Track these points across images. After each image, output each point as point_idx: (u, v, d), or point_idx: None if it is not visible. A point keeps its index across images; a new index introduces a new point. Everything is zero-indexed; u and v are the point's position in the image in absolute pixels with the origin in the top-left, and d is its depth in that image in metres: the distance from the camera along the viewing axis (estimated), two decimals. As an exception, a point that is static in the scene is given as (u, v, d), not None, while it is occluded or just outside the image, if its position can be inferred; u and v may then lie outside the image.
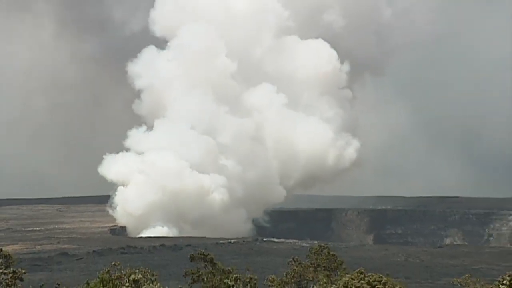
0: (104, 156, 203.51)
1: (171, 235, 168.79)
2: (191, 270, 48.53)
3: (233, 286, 46.26)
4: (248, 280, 47.80)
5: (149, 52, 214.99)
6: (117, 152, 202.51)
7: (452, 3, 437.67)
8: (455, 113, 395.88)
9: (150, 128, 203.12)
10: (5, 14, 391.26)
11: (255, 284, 48.34)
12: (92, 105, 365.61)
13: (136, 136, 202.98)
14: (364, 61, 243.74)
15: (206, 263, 48.31)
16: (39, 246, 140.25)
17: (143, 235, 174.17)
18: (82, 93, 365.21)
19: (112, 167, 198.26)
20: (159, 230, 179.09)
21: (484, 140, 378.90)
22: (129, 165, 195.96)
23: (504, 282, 22.67)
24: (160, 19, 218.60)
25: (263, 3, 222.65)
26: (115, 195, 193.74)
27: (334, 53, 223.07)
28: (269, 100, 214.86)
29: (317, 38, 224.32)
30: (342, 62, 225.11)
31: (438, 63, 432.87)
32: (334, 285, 35.64)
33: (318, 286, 38.95)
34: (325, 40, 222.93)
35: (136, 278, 36.25)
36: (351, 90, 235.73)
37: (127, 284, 36.48)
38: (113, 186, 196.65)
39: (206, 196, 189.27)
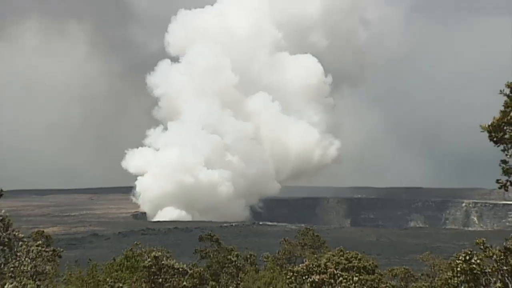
0: (125, 151, 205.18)
1: (183, 219, 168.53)
2: (200, 248, 48.75)
3: (235, 261, 46.36)
4: (247, 256, 48.01)
5: (165, 65, 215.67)
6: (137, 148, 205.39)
7: (417, 29, 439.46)
8: (419, 118, 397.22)
9: (165, 129, 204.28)
10: (46, 37, 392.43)
11: (253, 260, 48.55)
12: (118, 111, 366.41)
13: (153, 135, 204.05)
14: (343, 75, 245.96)
15: (212, 243, 48.56)
16: (74, 228, 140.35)
17: (160, 219, 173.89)
18: (109, 101, 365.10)
19: (133, 160, 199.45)
20: (173, 214, 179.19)
21: (442, 140, 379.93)
22: (147, 159, 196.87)
23: (460, 258, 22.80)
24: (173, 40, 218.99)
25: (259, 26, 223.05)
26: (136, 185, 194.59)
27: (319, 67, 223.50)
28: (265, 106, 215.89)
29: (305, 53, 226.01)
30: (325, 75, 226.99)
31: (405, 77, 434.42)
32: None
33: (306, 261, 39.04)
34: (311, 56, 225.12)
35: (156, 255, 36.31)
36: (333, 98, 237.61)
37: (148, 259, 36.52)
38: (135, 178, 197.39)
39: (215, 188, 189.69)
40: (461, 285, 22.35)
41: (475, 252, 23.03)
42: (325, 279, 26.54)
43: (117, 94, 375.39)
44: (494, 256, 22.87)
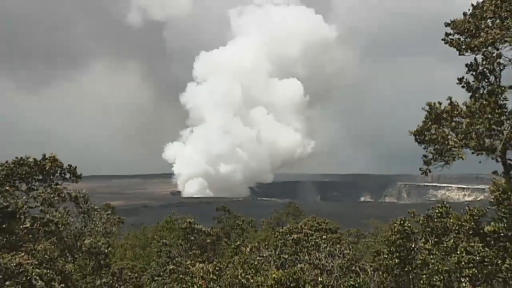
0: (164, 146, 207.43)
1: (205, 196, 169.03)
2: (217, 216, 48.62)
3: (241, 225, 46.31)
4: (249, 221, 47.91)
5: (192, 87, 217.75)
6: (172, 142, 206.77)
7: (367, 64, 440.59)
8: (368, 126, 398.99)
9: (192, 131, 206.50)
10: (111, 71, 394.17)
11: (253, 224, 48.49)
12: (160, 120, 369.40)
13: (184, 136, 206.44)
14: (317, 95, 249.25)
15: (225, 212, 48.41)
16: (131, 202, 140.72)
17: (189, 196, 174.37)
18: (154, 113, 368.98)
19: (170, 152, 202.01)
20: (199, 192, 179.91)
21: (384, 141, 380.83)
22: (179, 152, 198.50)
23: (396, 222, 22.75)
24: (198, 70, 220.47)
25: (258, 61, 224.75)
26: (174, 171, 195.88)
27: (301, 89, 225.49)
28: (263, 117, 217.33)
29: (291, 77, 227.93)
30: (305, 95, 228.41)
31: (359, 97, 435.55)
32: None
33: (289, 224, 38.90)
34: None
35: (190, 221, 36.32)
36: (310, 112, 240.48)
37: (184, 225, 36.49)
38: (171, 166, 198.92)
39: (229, 176, 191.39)
40: (397, 241, 22.30)
41: (407, 218, 23.05)
42: (301, 237, 26.51)
43: (159, 109, 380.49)
44: (420, 221, 22.88)
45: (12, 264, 17.01)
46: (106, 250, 23.12)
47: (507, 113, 13.90)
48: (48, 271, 18.01)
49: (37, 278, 17.29)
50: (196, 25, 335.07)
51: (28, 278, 17.05)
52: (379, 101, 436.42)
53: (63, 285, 18.26)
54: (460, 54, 14.15)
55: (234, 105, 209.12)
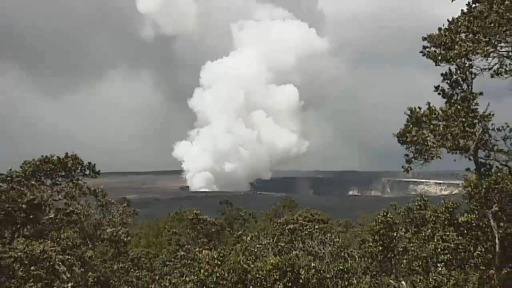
0: (174, 145, 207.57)
1: (211, 190, 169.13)
2: (221, 208, 48.61)
3: (242, 216, 46.26)
4: (250, 213, 47.89)
5: (199, 93, 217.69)
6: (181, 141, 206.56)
7: (357, 74, 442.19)
8: (357, 128, 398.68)
9: (198, 132, 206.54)
10: (127, 78, 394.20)
11: (254, 215, 48.43)
12: (170, 122, 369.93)
13: (192, 136, 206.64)
14: (311, 100, 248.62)
15: (228, 205, 48.39)
16: (144, 195, 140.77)
17: (197, 190, 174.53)
18: (165, 116, 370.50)
19: (179, 151, 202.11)
20: (205, 187, 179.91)
21: (371, 141, 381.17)
22: (188, 150, 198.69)
23: (380, 214, 22.74)
24: (204, 78, 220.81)
25: (258, 69, 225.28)
26: (183, 168, 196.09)
27: (296, 95, 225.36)
28: (263, 120, 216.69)
29: (288, 84, 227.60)
30: (300, 101, 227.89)
31: (349, 103, 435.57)
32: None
33: (286, 216, 38.98)
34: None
35: (196, 212, 36.34)
36: (304, 115, 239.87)
37: (191, 216, 36.52)
38: (180, 163, 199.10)
39: (233, 173, 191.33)
40: (380, 230, 22.30)
41: (389, 210, 23.08)
42: (296, 227, 26.53)
43: (169, 112, 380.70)
44: (401, 213, 22.91)
45: (37, 251, 17.01)
46: (125, 239, 23.16)
47: (478, 117, 13.94)
48: (69, 257, 18.01)
49: (60, 263, 17.29)
50: (202, 38, 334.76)
51: (51, 263, 17.06)
52: (366, 106, 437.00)
53: (82, 269, 18.27)
54: (436, 65, 14.19)
55: (237, 109, 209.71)
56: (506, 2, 12.28)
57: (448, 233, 18.86)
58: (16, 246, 17.39)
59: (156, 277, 23.18)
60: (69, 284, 17.32)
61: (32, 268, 16.72)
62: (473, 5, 13.41)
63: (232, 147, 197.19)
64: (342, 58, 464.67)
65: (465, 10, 13.51)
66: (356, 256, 22.75)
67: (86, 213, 22.31)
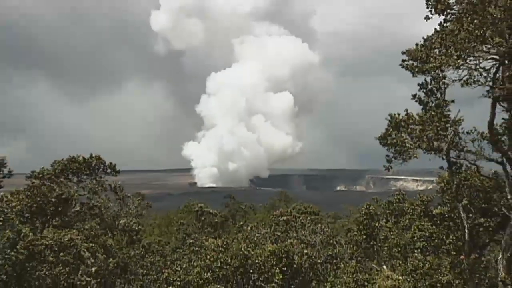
0: (183, 145, 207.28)
1: (216, 186, 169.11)
2: (225, 202, 48.61)
3: (243, 208, 46.30)
4: (250, 206, 47.96)
5: (205, 99, 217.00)
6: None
7: (342, 84, 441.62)
8: (344, 130, 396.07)
9: (204, 135, 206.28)
10: (141, 88, 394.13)
11: (253, 208, 48.49)
12: (180, 125, 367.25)
13: (199, 137, 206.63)
14: (304, 107, 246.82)
15: (231, 199, 48.42)
16: (157, 191, 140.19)
17: (204, 186, 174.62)
18: (174, 120, 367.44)
19: (187, 151, 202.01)
20: (211, 183, 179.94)
21: (356, 142, 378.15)
22: (195, 150, 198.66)
23: (364, 206, 22.79)
24: (210, 86, 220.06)
25: (257, 79, 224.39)
26: (192, 166, 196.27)
27: (292, 101, 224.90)
28: (262, 123, 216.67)
29: (284, 91, 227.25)
30: (294, 106, 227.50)
31: (335, 110, 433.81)
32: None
33: (281, 208, 38.96)
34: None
35: (201, 205, 36.35)
36: (298, 119, 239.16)
37: (196, 208, 36.53)
38: (189, 161, 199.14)
39: (235, 170, 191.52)
40: (364, 221, 22.36)
41: (372, 203, 23.16)
42: (290, 218, 26.56)
43: (179, 116, 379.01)
44: (382, 205, 22.99)
45: (65, 239, 17.09)
46: (137, 228, 23.17)
47: (450, 122, 14.03)
48: (93, 245, 18.07)
49: (85, 250, 17.37)
50: (207, 52, 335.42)
51: (78, 250, 17.14)
52: (352, 112, 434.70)
53: (104, 255, 18.32)
54: (413, 76, 14.27)
55: (239, 114, 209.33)
56: (475, 21, 12.38)
57: (423, 223, 18.94)
58: (46, 235, 17.48)
59: (168, 262, 23.20)
60: (93, 268, 17.39)
61: (61, 254, 16.79)
62: (445, 24, 13.52)
63: (234, 147, 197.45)
64: (330, 70, 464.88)
65: (438, 29, 13.61)
66: (343, 244, 22.83)
67: (106, 206, 22.37)
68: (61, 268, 16.57)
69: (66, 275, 16.82)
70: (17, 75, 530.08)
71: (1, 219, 16.24)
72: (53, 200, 19.25)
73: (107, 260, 18.47)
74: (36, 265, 16.57)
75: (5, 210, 16.73)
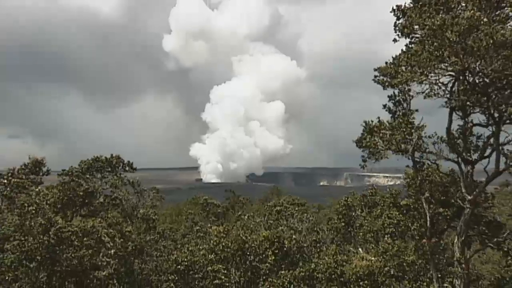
0: (190, 147, 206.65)
1: (219, 181, 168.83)
2: (227, 195, 48.37)
3: (242, 200, 46.07)
4: (247, 199, 47.73)
5: (209, 107, 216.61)
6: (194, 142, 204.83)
7: (325, 95, 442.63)
8: (328, 135, 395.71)
9: (208, 138, 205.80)
10: (156, 99, 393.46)
11: (250, 200, 48.25)
12: (187, 130, 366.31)
13: (204, 139, 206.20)
14: (293, 113, 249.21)
15: (231, 192, 48.21)
16: (168, 185, 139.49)
17: (209, 181, 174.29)
18: (184, 125, 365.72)
19: (194, 151, 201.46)
20: (215, 179, 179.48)
21: (337, 144, 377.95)
22: (201, 149, 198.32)
23: (343, 199, 22.72)
24: (213, 97, 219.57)
25: (253, 91, 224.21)
26: (199, 163, 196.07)
27: (283, 108, 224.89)
28: (257, 128, 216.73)
29: (276, 100, 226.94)
30: (285, 114, 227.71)
31: (323, 115, 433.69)
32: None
33: (274, 201, 38.88)
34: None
35: (205, 198, 36.27)
36: (288, 125, 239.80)
37: (202, 200, 36.41)
38: (196, 160, 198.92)
39: (235, 169, 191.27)
40: (343, 211, 22.37)
41: (349, 196, 23.20)
42: (281, 209, 26.59)
43: (187, 122, 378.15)
44: (358, 198, 23.03)
45: (88, 226, 17.07)
46: (154, 217, 23.11)
47: (414, 128, 14.10)
48: (112, 230, 18.01)
49: (105, 235, 17.31)
50: (210, 68, 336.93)
51: (99, 235, 17.10)
52: (333, 119, 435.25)
53: (122, 240, 18.23)
54: (384, 89, 14.32)
55: (238, 120, 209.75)
56: (435, 43, 12.47)
57: (392, 213, 19.00)
58: (73, 222, 17.44)
59: (178, 245, 23.12)
60: (112, 251, 17.32)
61: (85, 239, 16.75)
62: (410, 46, 13.63)
63: (234, 149, 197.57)
64: (315, 83, 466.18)
65: (404, 49, 13.71)
66: (325, 230, 22.85)
67: (126, 199, 22.32)
68: (85, 250, 16.54)
69: (89, 257, 16.77)
70: (53, 88, 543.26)
71: (34, 208, 16.29)
72: (81, 193, 19.27)
73: (126, 244, 18.38)
74: (64, 248, 16.53)
75: (37, 201, 16.72)
